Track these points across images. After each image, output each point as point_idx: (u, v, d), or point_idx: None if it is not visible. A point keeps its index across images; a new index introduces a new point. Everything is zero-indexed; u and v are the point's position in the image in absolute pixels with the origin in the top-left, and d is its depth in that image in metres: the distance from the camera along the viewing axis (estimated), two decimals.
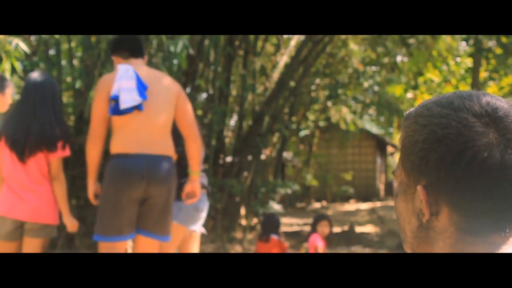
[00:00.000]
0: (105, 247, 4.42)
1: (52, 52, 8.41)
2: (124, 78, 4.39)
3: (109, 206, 4.37)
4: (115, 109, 4.39)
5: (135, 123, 4.40)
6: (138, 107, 4.37)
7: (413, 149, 1.15)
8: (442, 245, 1.14)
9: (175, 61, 7.49)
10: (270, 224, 7.90)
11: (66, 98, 9.19)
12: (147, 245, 4.54)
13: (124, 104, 4.33)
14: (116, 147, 4.41)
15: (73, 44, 8.83)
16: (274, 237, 7.74)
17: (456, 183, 1.08)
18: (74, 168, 7.73)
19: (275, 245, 7.67)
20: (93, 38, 7.16)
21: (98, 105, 4.46)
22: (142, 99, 4.37)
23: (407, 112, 1.24)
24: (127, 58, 4.61)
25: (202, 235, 10.75)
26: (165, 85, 4.58)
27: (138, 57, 4.63)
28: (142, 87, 4.40)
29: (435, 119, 1.13)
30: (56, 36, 7.62)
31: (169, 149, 4.52)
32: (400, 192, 1.22)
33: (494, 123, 1.10)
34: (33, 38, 8.25)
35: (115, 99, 4.37)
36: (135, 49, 4.63)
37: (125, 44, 4.64)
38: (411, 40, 12.66)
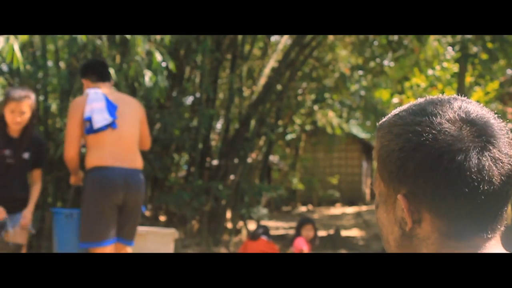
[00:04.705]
0: (97, 252, 4.77)
1: (38, 53, 8.38)
2: (94, 100, 4.84)
3: (93, 214, 4.77)
4: (90, 129, 4.84)
5: (109, 139, 4.86)
6: (111, 125, 4.83)
7: (390, 159, 1.15)
8: (426, 252, 1.14)
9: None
10: (262, 230, 8.03)
11: (52, 100, 9.15)
12: (119, 250, 4.95)
13: (97, 124, 4.79)
14: (93, 161, 4.85)
15: (59, 45, 8.78)
16: (263, 237, 7.80)
17: (436, 189, 1.09)
18: (60, 170, 7.71)
19: (264, 245, 7.70)
20: (84, 38, 7.12)
21: (72, 127, 4.92)
22: (113, 118, 4.82)
23: (380, 122, 1.24)
24: (95, 81, 5.05)
25: (187, 238, 10.76)
26: (132, 106, 5.11)
27: (105, 81, 5.08)
28: (112, 107, 4.86)
29: (409, 127, 1.13)
30: (37, 36, 7.58)
31: (139, 163, 5.01)
32: (381, 203, 1.22)
33: (468, 126, 1.11)
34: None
35: (89, 120, 4.82)
36: (102, 74, 5.09)
37: (93, 69, 5.11)
38: (400, 52, 12.70)
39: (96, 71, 5.11)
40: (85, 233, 4.80)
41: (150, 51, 6.80)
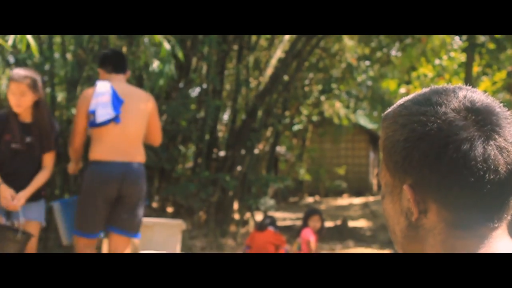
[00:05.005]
0: (82, 242, 4.98)
1: (44, 45, 8.38)
2: (101, 94, 4.92)
3: (87, 207, 4.93)
4: (93, 122, 4.93)
5: (112, 134, 4.94)
6: (114, 120, 4.91)
7: (395, 149, 1.15)
8: (432, 242, 1.14)
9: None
10: (269, 220, 8.03)
11: (59, 91, 9.16)
12: (120, 242, 5.04)
13: (99, 118, 4.89)
14: (95, 155, 4.97)
15: (66, 37, 8.78)
16: (270, 228, 7.80)
17: (441, 179, 1.09)
18: (68, 162, 7.71)
19: (271, 236, 7.71)
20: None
21: (78, 119, 5.05)
22: (116, 113, 4.90)
23: (385, 113, 1.23)
24: (109, 72, 5.14)
25: (194, 229, 10.79)
26: (140, 100, 5.15)
27: (119, 72, 5.16)
28: (117, 102, 4.94)
29: (414, 117, 1.13)
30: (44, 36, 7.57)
31: (140, 156, 5.08)
32: (387, 193, 1.22)
33: (473, 115, 1.10)
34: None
35: (93, 114, 4.91)
36: (118, 65, 5.16)
37: (110, 60, 5.19)
38: (407, 41, 12.65)
39: (112, 62, 5.18)
40: (77, 222, 4.97)
41: (159, 40, 6.79)
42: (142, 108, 5.11)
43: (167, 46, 6.66)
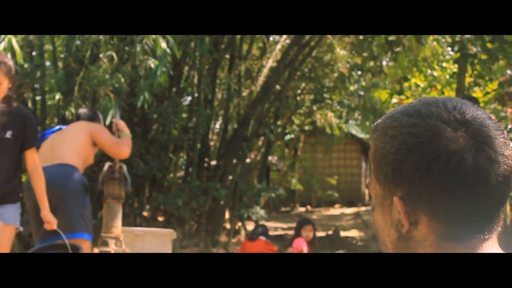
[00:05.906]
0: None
1: (35, 53, 8.36)
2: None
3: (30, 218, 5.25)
4: None
5: (43, 148, 5.22)
6: (44, 137, 5.41)
7: (385, 161, 1.14)
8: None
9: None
10: (261, 229, 8.02)
11: (50, 100, 9.14)
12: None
13: None
14: None
15: (57, 44, 8.76)
16: (261, 238, 7.79)
17: (432, 191, 1.08)
18: None
19: (262, 245, 7.70)
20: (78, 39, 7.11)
21: None
22: (44, 133, 5.50)
23: (374, 124, 1.22)
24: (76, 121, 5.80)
25: (185, 238, 10.76)
26: (78, 124, 5.64)
27: (83, 120, 5.73)
28: (52, 130, 5.61)
29: (404, 129, 1.12)
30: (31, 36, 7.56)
31: (67, 159, 5.24)
32: (377, 205, 1.21)
33: (463, 127, 1.09)
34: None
35: None
36: (82, 117, 5.78)
37: (78, 115, 5.89)
38: (398, 49, 12.67)
39: (80, 116, 5.83)
40: None
41: (155, 38, 6.79)
42: (79, 127, 5.55)
43: (163, 44, 6.68)
